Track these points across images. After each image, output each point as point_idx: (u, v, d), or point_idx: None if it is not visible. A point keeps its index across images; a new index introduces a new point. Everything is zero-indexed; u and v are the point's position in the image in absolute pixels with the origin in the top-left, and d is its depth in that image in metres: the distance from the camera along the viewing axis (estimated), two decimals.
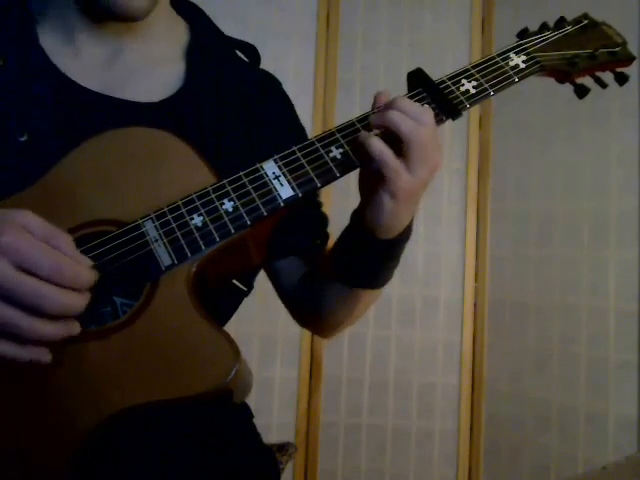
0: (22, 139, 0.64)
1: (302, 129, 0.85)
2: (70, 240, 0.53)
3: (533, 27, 0.76)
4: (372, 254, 0.68)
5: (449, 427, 1.92)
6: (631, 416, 1.52)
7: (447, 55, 1.97)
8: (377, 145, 0.59)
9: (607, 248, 1.63)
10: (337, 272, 0.72)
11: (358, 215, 0.67)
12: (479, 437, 1.89)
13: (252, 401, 0.79)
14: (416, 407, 1.93)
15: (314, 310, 0.81)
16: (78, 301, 0.51)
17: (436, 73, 0.68)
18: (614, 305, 1.60)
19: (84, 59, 0.71)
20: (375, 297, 0.77)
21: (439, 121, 0.64)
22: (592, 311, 1.64)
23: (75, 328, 0.52)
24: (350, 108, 1.94)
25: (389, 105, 0.61)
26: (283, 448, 1.67)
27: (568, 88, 0.75)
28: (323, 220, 0.85)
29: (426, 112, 0.61)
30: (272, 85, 0.84)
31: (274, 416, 1.89)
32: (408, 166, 0.59)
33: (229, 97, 0.75)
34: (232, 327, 0.82)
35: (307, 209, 0.82)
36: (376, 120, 0.61)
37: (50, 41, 0.71)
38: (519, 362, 1.82)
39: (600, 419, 1.58)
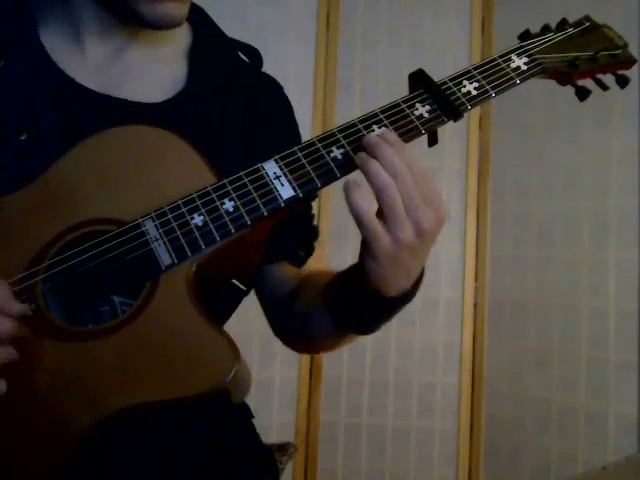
0: (21, 138, 0.64)
1: (298, 135, 0.84)
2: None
3: (533, 27, 0.76)
4: (364, 305, 0.63)
5: (449, 427, 1.92)
6: (631, 416, 1.52)
7: (447, 55, 1.97)
8: (355, 203, 0.55)
9: (607, 248, 1.63)
10: (330, 310, 0.69)
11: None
12: (479, 437, 1.89)
13: (252, 401, 0.79)
14: (416, 407, 1.93)
15: (297, 335, 0.80)
16: None
17: (436, 73, 0.67)
18: (614, 305, 1.60)
19: (87, 58, 0.71)
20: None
21: (440, 122, 0.64)
22: (592, 311, 1.64)
23: None
24: (350, 108, 1.94)
25: (374, 148, 0.58)
26: (283, 448, 1.66)
27: (568, 88, 0.75)
28: (313, 233, 0.84)
29: (406, 163, 0.56)
30: (274, 89, 0.83)
31: (274, 416, 1.89)
32: (386, 226, 0.55)
33: (230, 99, 0.75)
34: (232, 327, 0.82)
35: (299, 218, 0.81)
36: (358, 163, 0.58)
37: (53, 40, 0.70)
38: (519, 362, 1.81)
39: (600, 419, 1.58)
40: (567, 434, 1.66)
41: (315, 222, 0.85)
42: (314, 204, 0.83)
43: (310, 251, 0.83)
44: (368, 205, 0.55)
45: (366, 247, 0.57)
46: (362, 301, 0.63)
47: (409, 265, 0.58)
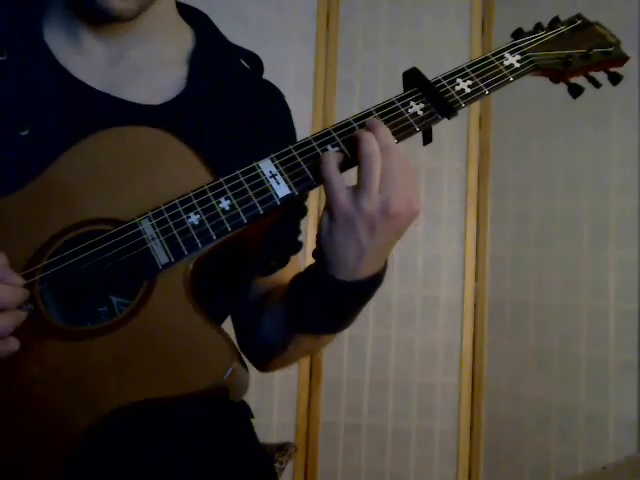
0: (23, 133, 0.64)
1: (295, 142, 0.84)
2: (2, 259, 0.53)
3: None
4: (313, 287, 0.65)
5: (449, 427, 1.92)
6: (631, 416, 1.52)
7: (447, 55, 1.97)
8: (325, 158, 0.59)
9: (607, 248, 1.63)
10: (285, 305, 0.70)
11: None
12: (479, 437, 1.89)
13: (252, 401, 0.79)
14: (416, 407, 1.93)
15: (253, 341, 0.82)
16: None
17: (436, 73, 0.68)
18: (614, 305, 1.60)
19: (88, 57, 0.71)
20: (327, 341, 0.75)
21: (434, 120, 0.65)
22: (592, 311, 1.64)
23: (6, 346, 0.52)
24: (350, 108, 1.94)
25: (373, 125, 0.61)
26: (283, 448, 1.66)
27: (567, 88, 0.76)
28: (294, 246, 0.83)
29: (400, 157, 0.59)
30: (274, 96, 0.83)
31: (274, 416, 1.89)
32: (357, 191, 0.58)
33: (230, 104, 0.75)
34: (231, 327, 0.83)
35: (285, 229, 0.80)
36: (356, 134, 0.61)
37: (55, 38, 0.71)
38: (519, 362, 1.81)
39: (600, 419, 1.58)
40: (567, 434, 1.66)
41: (300, 237, 0.85)
42: (313, 205, 0.83)
43: (283, 263, 0.82)
44: (337, 167, 0.60)
45: (327, 202, 0.60)
46: (312, 284, 0.65)
47: (363, 241, 0.59)
